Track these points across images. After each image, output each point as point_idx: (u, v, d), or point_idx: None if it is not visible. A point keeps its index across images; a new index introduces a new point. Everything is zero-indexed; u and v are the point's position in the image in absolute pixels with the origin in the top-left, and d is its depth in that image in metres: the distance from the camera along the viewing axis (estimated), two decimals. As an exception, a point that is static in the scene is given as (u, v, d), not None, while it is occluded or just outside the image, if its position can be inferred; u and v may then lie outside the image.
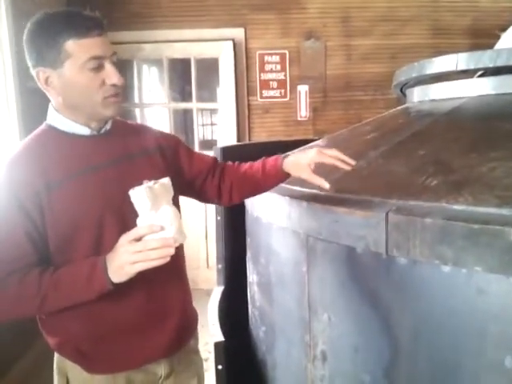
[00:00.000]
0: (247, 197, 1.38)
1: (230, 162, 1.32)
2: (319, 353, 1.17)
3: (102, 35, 0.99)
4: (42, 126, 1.07)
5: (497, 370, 0.82)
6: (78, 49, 0.95)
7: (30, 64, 1.00)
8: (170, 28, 3.58)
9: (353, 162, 1.08)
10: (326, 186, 1.09)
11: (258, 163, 1.26)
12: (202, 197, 1.31)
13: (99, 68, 0.98)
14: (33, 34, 0.97)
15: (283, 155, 1.22)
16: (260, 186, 1.26)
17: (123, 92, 1.06)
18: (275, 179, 1.23)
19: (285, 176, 1.21)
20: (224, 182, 1.27)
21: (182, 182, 1.19)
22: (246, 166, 1.28)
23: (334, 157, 1.10)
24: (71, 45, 0.95)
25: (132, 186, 0.91)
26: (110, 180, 1.04)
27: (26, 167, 0.97)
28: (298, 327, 1.25)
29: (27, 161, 0.98)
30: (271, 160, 1.23)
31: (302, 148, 1.73)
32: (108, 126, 1.09)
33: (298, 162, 1.16)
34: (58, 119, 1.04)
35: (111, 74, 0.99)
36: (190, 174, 1.24)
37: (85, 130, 1.05)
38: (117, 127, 1.12)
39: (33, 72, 1.00)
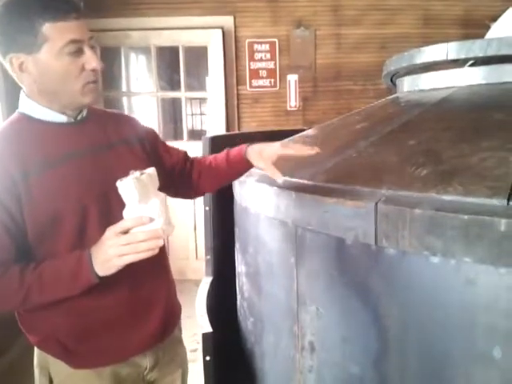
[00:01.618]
0: (215, 186, 1.40)
1: (197, 156, 1.35)
2: (307, 343, 1.17)
3: (80, 19, 0.95)
4: (15, 115, 1.02)
5: (485, 360, 0.82)
6: (56, 32, 0.91)
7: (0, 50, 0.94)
8: (158, 15, 3.52)
9: (316, 149, 1.09)
10: (279, 179, 1.10)
11: (222, 153, 1.28)
12: (175, 189, 1.31)
13: (78, 53, 0.95)
14: (4, 18, 0.92)
15: (248, 144, 1.23)
16: (225, 174, 1.29)
17: (100, 78, 1.03)
18: (238, 168, 1.26)
19: (248, 164, 1.23)
20: (193, 174, 1.29)
21: (161, 175, 1.17)
22: (211, 157, 1.31)
23: (297, 149, 1.11)
24: (48, 28, 0.91)
25: (114, 175, 0.89)
26: (90, 168, 1.01)
27: (2, 156, 0.93)
28: (286, 318, 1.24)
29: (2, 150, 0.95)
30: (235, 149, 1.26)
31: (291, 138, 1.72)
32: (84, 113, 1.06)
33: (261, 152, 1.17)
34: (31, 107, 1.00)
35: (91, 59, 0.96)
36: (167, 167, 1.24)
37: (61, 118, 1.01)
38: (93, 114, 1.09)
39: (4, 59, 0.95)
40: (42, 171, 0.95)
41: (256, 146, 1.20)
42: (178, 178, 1.27)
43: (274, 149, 1.15)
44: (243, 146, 1.23)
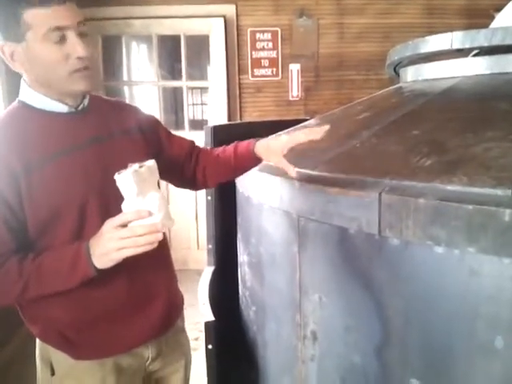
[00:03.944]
0: (221, 181, 1.36)
1: (204, 147, 1.32)
2: (309, 333, 1.17)
3: (65, 3, 0.90)
4: (14, 104, 1.00)
5: (487, 350, 0.82)
6: (38, 19, 0.89)
7: None
8: (159, 3, 3.50)
9: (325, 128, 1.03)
10: (293, 173, 1.06)
11: (230, 147, 1.24)
12: (178, 180, 1.29)
13: (63, 40, 0.91)
14: None
15: (256, 139, 1.19)
16: (232, 169, 1.25)
17: (94, 64, 0.99)
18: (247, 163, 1.22)
19: (256, 160, 1.19)
20: (198, 166, 1.26)
21: (161, 164, 1.17)
22: (219, 149, 1.27)
23: (305, 135, 1.06)
24: (30, 15, 0.88)
25: (115, 168, 0.87)
26: (91, 161, 1.00)
27: (2, 148, 0.91)
28: (288, 307, 1.25)
29: (2, 141, 0.93)
30: (243, 143, 1.22)
31: (293, 128, 1.71)
32: (86, 103, 1.04)
33: (269, 146, 1.13)
34: (32, 96, 0.98)
35: (76, 46, 0.92)
36: (170, 156, 1.21)
37: (62, 107, 0.99)
38: (95, 103, 1.07)
39: None
40: (43, 165, 0.93)
41: (264, 141, 1.16)
42: (181, 170, 1.24)
43: (283, 142, 1.09)
44: (251, 141, 1.19)
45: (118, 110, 1.14)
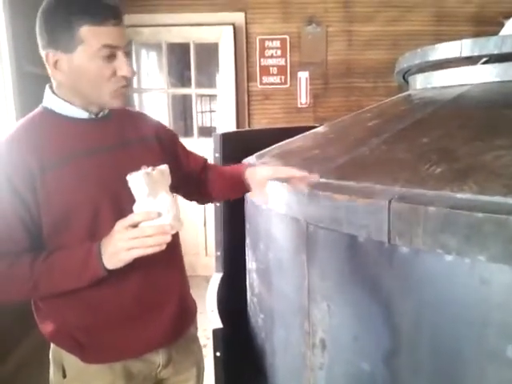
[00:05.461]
0: (226, 197, 1.44)
1: (212, 164, 1.40)
2: (318, 341, 1.17)
3: (119, 25, 0.96)
4: (38, 109, 1.05)
5: (498, 359, 0.81)
6: (92, 36, 0.93)
7: (39, 43, 0.97)
8: (168, 12, 3.53)
9: (306, 173, 1.10)
10: (266, 204, 1.15)
11: (235, 166, 1.33)
12: (189, 194, 1.34)
13: (111, 57, 0.96)
14: (48, 13, 0.94)
15: (248, 164, 1.30)
16: (233, 190, 1.33)
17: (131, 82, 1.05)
18: (238, 187, 1.29)
19: (246, 186, 1.27)
20: (208, 184, 1.32)
21: (178, 178, 1.18)
22: (227, 167, 1.35)
23: (287, 172, 1.14)
24: (85, 31, 0.93)
25: (129, 172, 0.90)
26: (107, 165, 1.02)
27: (20, 148, 0.95)
28: (297, 315, 1.24)
29: (21, 142, 0.96)
30: (241, 166, 1.30)
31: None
32: (106, 111, 1.07)
33: (253, 176, 1.22)
34: (55, 102, 1.02)
35: (123, 65, 0.97)
36: (185, 171, 1.25)
37: (83, 114, 1.03)
38: (115, 112, 1.11)
39: (41, 52, 0.98)
40: (59, 165, 0.97)
41: (252, 169, 1.24)
42: (194, 185, 1.29)
43: (265, 174, 1.19)
44: (242, 167, 1.27)
45: (136, 119, 1.18)
